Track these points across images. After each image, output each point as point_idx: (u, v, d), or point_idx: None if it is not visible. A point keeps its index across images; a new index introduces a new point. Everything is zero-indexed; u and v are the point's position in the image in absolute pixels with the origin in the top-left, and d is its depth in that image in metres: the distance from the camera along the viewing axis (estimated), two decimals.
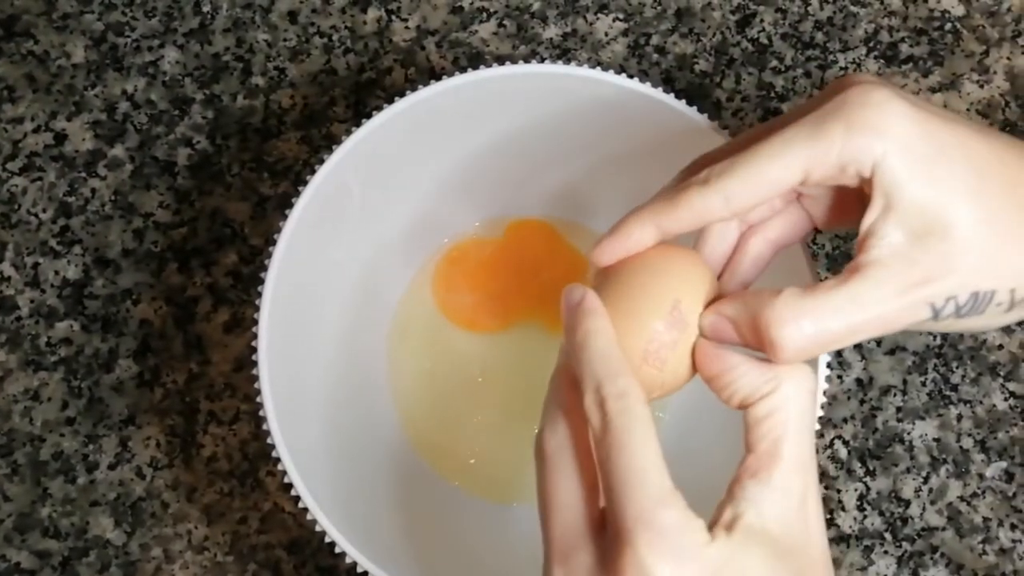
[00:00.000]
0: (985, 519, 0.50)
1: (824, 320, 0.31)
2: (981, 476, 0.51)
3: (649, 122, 0.44)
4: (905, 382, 0.52)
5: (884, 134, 0.31)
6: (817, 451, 0.51)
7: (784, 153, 0.31)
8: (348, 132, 0.44)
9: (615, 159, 0.47)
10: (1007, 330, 0.53)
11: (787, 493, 0.31)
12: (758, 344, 0.32)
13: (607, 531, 0.30)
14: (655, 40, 0.57)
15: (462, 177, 0.49)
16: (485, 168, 0.49)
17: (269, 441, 0.41)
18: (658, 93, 0.42)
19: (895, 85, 0.34)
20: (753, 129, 0.35)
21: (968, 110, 0.55)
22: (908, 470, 0.51)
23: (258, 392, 0.41)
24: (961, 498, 0.51)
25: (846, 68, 0.56)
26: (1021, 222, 0.32)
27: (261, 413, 0.41)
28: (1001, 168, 0.32)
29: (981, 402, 0.52)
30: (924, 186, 0.31)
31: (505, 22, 0.57)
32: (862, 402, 0.52)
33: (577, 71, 0.44)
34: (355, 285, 0.49)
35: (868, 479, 0.51)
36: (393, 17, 0.57)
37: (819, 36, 0.56)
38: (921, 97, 0.33)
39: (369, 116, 0.44)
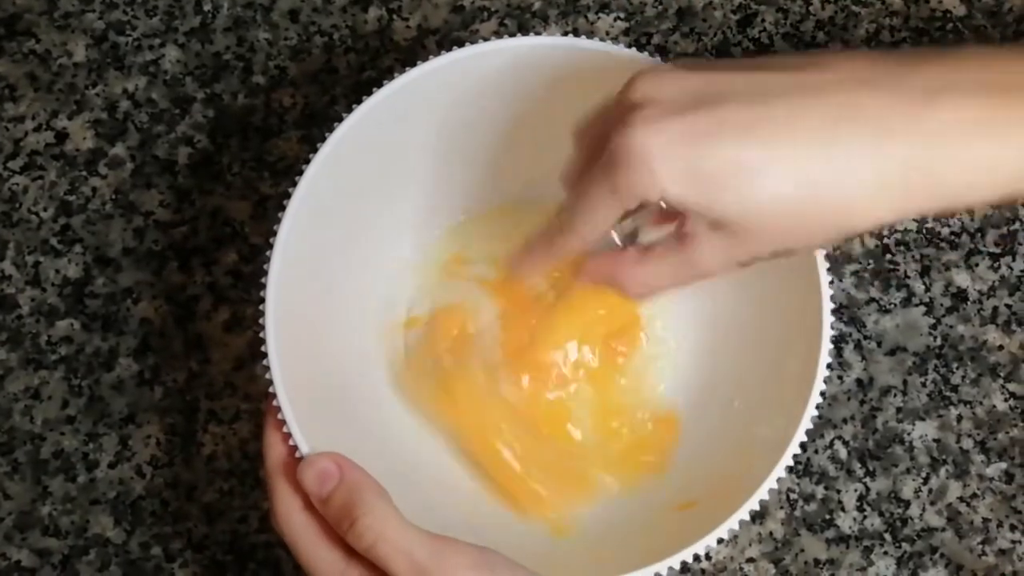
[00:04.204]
0: (985, 520, 0.50)
1: (660, 279, 0.40)
2: (981, 477, 0.51)
3: None
4: (905, 383, 0.52)
5: (654, 184, 0.36)
6: (817, 451, 0.51)
7: (594, 217, 0.39)
8: (340, 120, 0.44)
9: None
10: (1007, 331, 0.53)
11: None
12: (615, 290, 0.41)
13: None
14: (656, 39, 0.57)
15: (461, 159, 0.49)
16: (484, 150, 0.49)
17: (285, 430, 0.41)
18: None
19: (661, 82, 0.37)
20: (574, 158, 0.41)
21: None
22: (908, 471, 0.51)
23: (266, 385, 0.42)
24: (961, 499, 0.51)
25: None
26: (826, 168, 0.36)
27: (281, 413, 0.41)
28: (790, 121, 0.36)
29: (981, 403, 0.52)
30: (701, 200, 0.36)
31: (506, 21, 0.57)
32: (862, 402, 0.52)
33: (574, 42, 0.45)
34: (358, 277, 0.49)
35: (868, 480, 0.51)
36: (394, 16, 0.57)
37: (820, 36, 0.56)
38: (690, 75, 0.38)
39: None
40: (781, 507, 0.51)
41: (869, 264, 0.53)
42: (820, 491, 0.51)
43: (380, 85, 0.45)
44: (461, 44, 0.46)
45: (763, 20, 0.57)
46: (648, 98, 0.37)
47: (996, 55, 0.38)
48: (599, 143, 0.38)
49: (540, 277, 0.45)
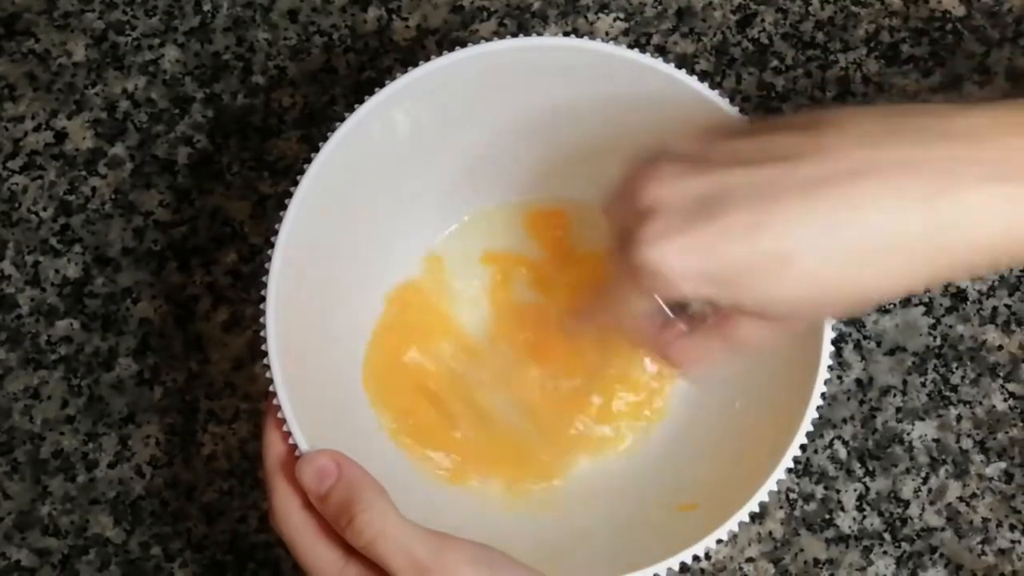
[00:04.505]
0: (984, 520, 0.51)
1: (707, 354, 0.41)
2: (980, 477, 0.51)
3: (660, 101, 0.45)
4: (905, 383, 0.52)
5: (675, 290, 0.38)
6: (816, 451, 0.51)
7: (628, 307, 0.40)
8: (339, 120, 0.44)
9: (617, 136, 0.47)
10: (1007, 331, 0.53)
11: None
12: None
13: None
14: (656, 40, 0.57)
15: (463, 162, 0.49)
16: (484, 150, 0.49)
17: (285, 428, 0.41)
18: (676, 72, 0.45)
19: (664, 188, 0.38)
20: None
21: None
22: (907, 470, 0.51)
23: (265, 385, 0.42)
24: (960, 499, 0.51)
25: (846, 68, 0.56)
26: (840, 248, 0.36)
27: (281, 412, 0.41)
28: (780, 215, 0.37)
29: (981, 403, 0.52)
30: (724, 298, 0.38)
31: (506, 21, 0.57)
32: (862, 402, 0.52)
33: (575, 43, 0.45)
34: (358, 273, 0.49)
35: (867, 479, 0.51)
36: (394, 16, 0.57)
37: (820, 36, 0.56)
38: (693, 178, 0.38)
39: None
40: (781, 507, 0.51)
41: None
42: (820, 491, 0.51)
43: (380, 85, 0.45)
44: (461, 44, 0.46)
45: (763, 20, 0.57)
46: (654, 208, 0.37)
47: (1003, 125, 0.37)
48: (621, 239, 0.39)
49: (588, 337, 0.46)
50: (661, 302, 0.41)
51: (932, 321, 0.53)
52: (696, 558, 0.41)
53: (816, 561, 0.50)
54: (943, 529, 0.50)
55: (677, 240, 0.37)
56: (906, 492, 0.51)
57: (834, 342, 0.44)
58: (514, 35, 0.55)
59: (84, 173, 0.56)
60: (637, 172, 0.39)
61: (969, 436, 0.51)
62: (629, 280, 0.39)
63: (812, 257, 0.36)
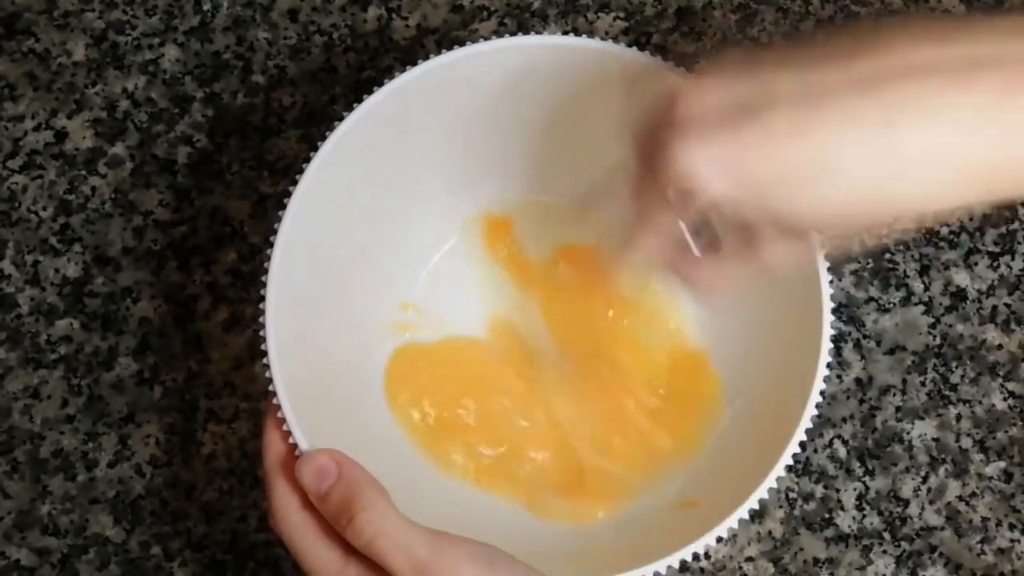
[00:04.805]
0: (984, 519, 0.51)
1: (730, 279, 0.40)
2: (980, 476, 0.51)
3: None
4: (904, 382, 0.52)
5: (705, 195, 0.35)
6: (816, 450, 0.51)
7: (653, 226, 0.39)
8: (339, 119, 0.44)
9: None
10: (1007, 330, 0.53)
11: None
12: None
13: None
14: (656, 39, 0.57)
15: (464, 160, 0.49)
16: (483, 149, 0.49)
17: (285, 428, 0.41)
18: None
19: (704, 94, 0.36)
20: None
21: None
22: (907, 470, 0.51)
23: (265, 385, 0.42)
24: (960, 498, 0.51)
25: None
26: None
27: (281, 411, 0.41)
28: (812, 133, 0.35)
29: (980, 402, 0.52)
30: (756, 206, 0.36)
31: (506, 20, 0.57)
32: (861, 401, 0.52)
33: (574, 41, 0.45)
34: (358, 272, 0.49)
35: (867, 479, 0.51)
36: (394, 15, 0.57)
37: (820, 35, 0.56)
38: (734, 82, 0.35)
39: None
40: (780, 506, 0.51)
41: (868, 263, 0.54)
42: (819, 490, 0.51)
43: (380, 84, 0.46)
44: (460, 43, 0.46)
45: (763, 19, 0.57)
46: (691, 113, 0.35)
47: None
48: (651, 153, 0.37)
49: (619, 283, 0.45)
50: (684, 228, 0.39)
51: (932, 320, 0.53)
52: (696, 556, 0.41)
53: (816, 560, 0.50)
54: (943, 528, 0.50)
55: (715, 141, 0.34)
56: (906, 491, 0.51)
57: (834, 341, 0.44)
58: (514, 35, 0.55)
59: (84, 172, 0.56)
60: (677, 84, 0.36)
61: (969, 435, 0.52)
62: (658, 194, 0.37)
63: (858, 165, 0.33)
